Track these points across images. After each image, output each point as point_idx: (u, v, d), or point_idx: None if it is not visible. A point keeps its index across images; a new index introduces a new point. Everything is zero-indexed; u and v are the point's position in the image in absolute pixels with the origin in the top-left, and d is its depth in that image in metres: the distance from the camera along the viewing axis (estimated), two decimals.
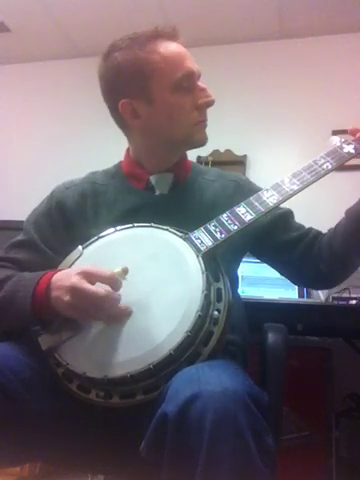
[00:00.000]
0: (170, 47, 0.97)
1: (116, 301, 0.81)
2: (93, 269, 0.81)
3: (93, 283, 0.80)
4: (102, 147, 2.65)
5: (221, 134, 2.60)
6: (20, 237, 1.06)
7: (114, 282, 0.81)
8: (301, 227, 1.10)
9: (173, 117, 0.98)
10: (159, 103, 0.97)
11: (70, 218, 1.04)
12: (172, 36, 0.99)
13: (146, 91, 0.96)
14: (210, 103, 0.99)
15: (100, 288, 0.79)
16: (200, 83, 0.99)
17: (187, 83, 0.97)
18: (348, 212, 1.01)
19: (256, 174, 2.46)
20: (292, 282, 1.14)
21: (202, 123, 1.01)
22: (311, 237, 1.06)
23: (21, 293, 0.87)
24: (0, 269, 0.98)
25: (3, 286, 0.91)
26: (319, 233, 1.07)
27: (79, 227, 1.02)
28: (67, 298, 0.79)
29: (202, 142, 1.03)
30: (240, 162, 2.55)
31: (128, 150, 1.11)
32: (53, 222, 1.04)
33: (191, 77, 0.97)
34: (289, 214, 1.11)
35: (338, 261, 1.01)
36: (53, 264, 0.95)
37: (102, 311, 0.80)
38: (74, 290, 0.79)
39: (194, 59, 1.01)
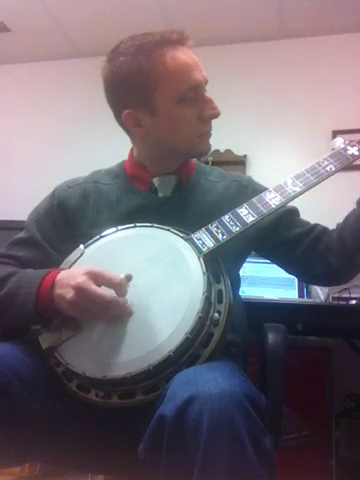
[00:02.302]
0: (177, 56, 0.93)
1: (120, 305, 0.81)
2: (101, 272, 0.81)
3: (99, 285, 0.80)
4: (102, 147, 2.65)
5: (221, 134, 2.58)
6: (22, 235, 1.05)
7: (120, 289, 0.81)
8: (306, 224, 1.09)
9: (177, 129, 0.97)
10: (163, 115, 0.95)
11: (72, 217, 1.04)
12: (180, 42, 0.95)
13: (150, 102, 0.95)
14: (215, 115, 0.98)
15: (106, 291, 0.79)
16: (207, 94, 0.98)
17: (193, 94, 0.95)
18: (359, 202, 0.99)
19: (256, 174, 2.42)
20: (301, 280, 1.13)
21: (207, 134, 1.00)
22: (317, 233, 1.05)
23: (24, 290, 0.87)
24: (2, 266, 0.98)
25: (6, 283, 0.91)
26: (326, 229, 1.06)
27: (80, 226, 1.02)
28: (70, 296, 0.80)
29: (205, 152, 1.03)
30: (240, 162, 2.55)
31: (132, 150, 1.11)
32: (55, 221, 1.04)
33: (197, 89, 0.95)
34: (294, 212, 1.10)
35: (349, 253, 0.99)
36: (54, 262, 0.96)
37: (105, 312, 0.80)
38: (79, 289, 0.79)
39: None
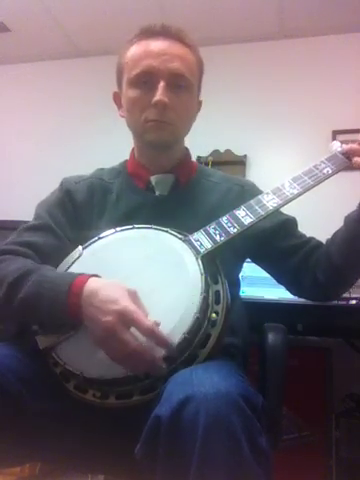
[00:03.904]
0: (144, 44, 1.00)
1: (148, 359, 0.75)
2: (133, 314, 0.75)
3: (130, 327, 0.75)
4: (102, 147, 2.65)
5: (221, 134, 2.61)
6: (32, 222, 1.04)
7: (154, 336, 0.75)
8: (302, 236, 1.08)
9: (129, 111, 1.02)
10: (123, 96, 1.04)
11: (78, 211, 1.05)
12: (155, 34, 1.01)
13: (121, 84, 1.05)
14: (156, 102, 0.96)
15: (133, 340, 0.74)
16: (162, 84, 0.97)
17: (145, 80, 0.98)
18: (347, 219, 0.99)
19: (256, 174, 2.46)
20: (290, 292, 1.12)
21: (151, 123, 0.99)
22: (311, 246, 1.05)
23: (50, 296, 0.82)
24: (12, 259, 0.93)
25: (23, 284, 0.85)
26: (320, 243, 1.05)
27: (85, 220, 1.03)
28: (99, 333, 0.76)
29: (155, 143, 1.02)
30: (240, 162, 2.55)
31: (133, 150, 1.12)
32: (66, 211, 1.05)
33: (148, 75, 0.97)
34: (292, 222, 1.10)
35: (335, 270, 0.99)
36: (67, 248, 0.96)
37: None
38: (109, 331, 0.74)
39: None
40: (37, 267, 0.89)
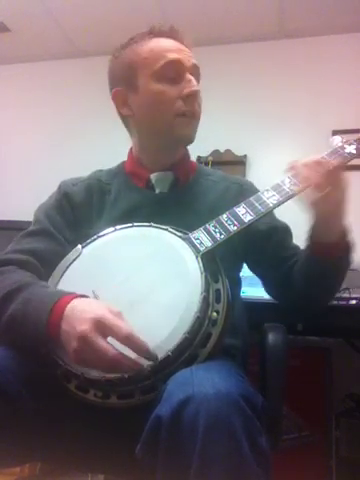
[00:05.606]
0: (159, 41, 1.00)
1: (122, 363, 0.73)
2: (109, 321, 0.73)
3: (106, 336, 0.74)
4: (102, 147, 2.65)
5: (221, 134, 2.61)
6: (31, 228, 1.04)
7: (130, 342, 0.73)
8: (292, 248, 1.08)
9: (155, 105, 0.99)
10: (143, 92, 1.00)
11: (77, 213, 1.05)
12: (167, 34, 1.01)
13: (133, 81, 1.01)
14: (193, 92, 0.97)
15: (111, 347, 0.72)
16: (188, 75, 0.98)
17: (172, 73, 0.98)
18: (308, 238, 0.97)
19: (256, 174, 2.46)
20: (277, 301, 1.11)
21: (184, 116, 0.99)
22: (296, 259, 1.03)
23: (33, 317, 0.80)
24: (11, 271, 0.92)
25: (12, 299, 0.84)
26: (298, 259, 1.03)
27: (84, 222, 1.03)
28: (74, 345, 0.74)
29: (186, 138, 1.02)
30: (240, 162, 2.55)
31: (131, 149, 1.12)
32: (64, 213, 1.05)
33: (176, 66, 0.98)
34: (286, 231, 1.10)
35: (301, 288, 0.98)
36: (67, 251, 0.96)
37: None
38: (83, 340, 0.73)
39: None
40: (30, 283, 0.88)
